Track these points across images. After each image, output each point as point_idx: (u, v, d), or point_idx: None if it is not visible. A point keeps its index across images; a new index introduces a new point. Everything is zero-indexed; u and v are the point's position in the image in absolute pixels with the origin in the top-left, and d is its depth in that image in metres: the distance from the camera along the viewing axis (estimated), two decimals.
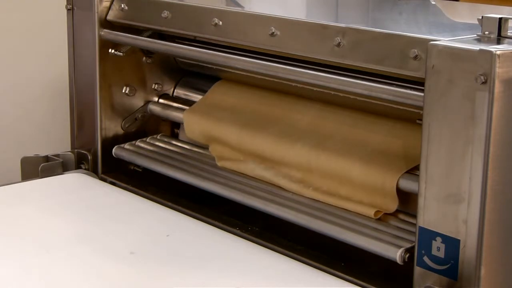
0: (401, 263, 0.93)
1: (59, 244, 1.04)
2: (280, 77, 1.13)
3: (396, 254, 0.93)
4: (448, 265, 0.87)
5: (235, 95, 1.28)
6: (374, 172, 1.03)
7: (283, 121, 1.19)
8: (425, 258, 0.89)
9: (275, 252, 1.04)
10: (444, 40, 0.86)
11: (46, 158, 1.31)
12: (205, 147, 1.27)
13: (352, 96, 1.09)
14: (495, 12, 0.91)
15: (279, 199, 1.09)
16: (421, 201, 0.88)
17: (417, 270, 0.90)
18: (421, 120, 0.88)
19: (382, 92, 0.98)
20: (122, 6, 1.28)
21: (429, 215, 0.88)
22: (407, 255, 0.93)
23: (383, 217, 1.03)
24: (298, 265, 1.00)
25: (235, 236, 1.08)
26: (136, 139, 1.34)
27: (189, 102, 1.33)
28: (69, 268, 0.97)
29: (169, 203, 1.18)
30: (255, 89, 1.26)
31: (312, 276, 0.98)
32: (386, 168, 1.02)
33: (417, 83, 0.92)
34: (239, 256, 1.02)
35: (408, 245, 0.94)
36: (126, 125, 1.34)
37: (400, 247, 0.94)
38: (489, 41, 0.87)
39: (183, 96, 1.38)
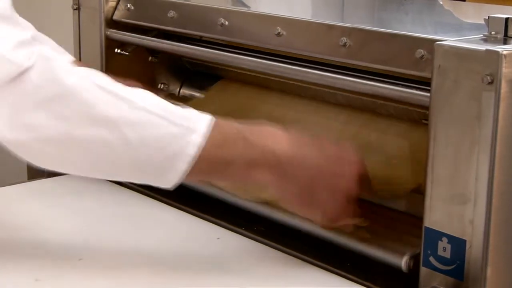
0: (406, 271, 0.93)
1: (66, 243, 1.04)
2: (286, 77, 1.14)
3: (401, 262, 0.93)
4: (454, 266, 0.87)
5: (235, 93, 1.28)
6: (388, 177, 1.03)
7: (284, 120, 1.19)
8: (431, 259, 0.89)
9: (280, 252, 1.04)
10: (450, 40, 0.86)
11: None
12: None
13: (359, 96, 1.09)
14: (502, 12, 0.91)
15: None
16: (427, 202, 0.88)
17: (423, 270, 0.90)
18: (427, 120, 0.88)
19: (388, 92, 0.98)
20: (128, 6, 1.28)
21: (435, 215, 0.88)
22: (412, 262, 0.92)
23: (388, 223, 1.03)
24: (303, 265, 1.00)
25: (241, 236, 1.08)
26: None
27: None
28: (77, 267, 0.98)
29: (173, 202, 1.18)
30: (257, 88, 1.26)
31: (318, 276, 0.98)
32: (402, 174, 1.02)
33: (423, 83, 0.92)
34: (244, 255, 1.02)
35: (413, 252, 0.93)
36: None
37: (405, 253, 0.94)
38: (495, 41, 0.87)
39: (188, 96, 1.38)
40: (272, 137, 0.92)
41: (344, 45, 1.00)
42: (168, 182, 0.89)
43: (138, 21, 1.28)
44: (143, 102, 0.88)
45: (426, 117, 0.89)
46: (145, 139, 0.87)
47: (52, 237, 1.05)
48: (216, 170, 0.91)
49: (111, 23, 1.30)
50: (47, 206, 1.15)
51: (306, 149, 0.93)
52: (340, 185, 0.94)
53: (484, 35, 0.89)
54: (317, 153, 0.93)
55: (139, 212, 1.15)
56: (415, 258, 0.92)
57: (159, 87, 1.37)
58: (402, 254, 0.93)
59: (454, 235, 0.86)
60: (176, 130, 0.87)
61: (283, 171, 0.91)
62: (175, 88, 1.39)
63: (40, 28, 1.44)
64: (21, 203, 1.16)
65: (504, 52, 0.81)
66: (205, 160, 0.88)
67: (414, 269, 0.92)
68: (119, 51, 1.31)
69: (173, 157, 0.87)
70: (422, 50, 0.92)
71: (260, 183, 0.94)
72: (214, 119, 0.89)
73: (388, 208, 1.07)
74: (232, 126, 0.92)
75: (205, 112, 0.90)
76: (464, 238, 0.85)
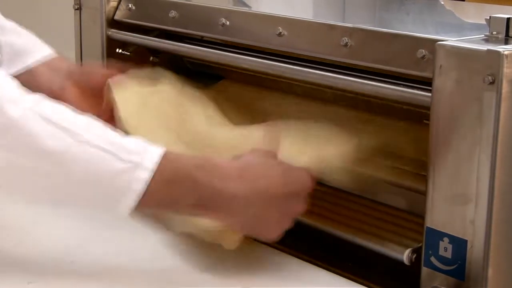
0: (408, 264, 0.93)
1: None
2: (287, 77, 1.14)
3: (403, 255, 0.93)
4: (455, 266, 0.87)
5: (236, 93, 1.28)
6: None
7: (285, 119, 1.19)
8: (432, 259, 0.89)
9: (281, 252, 1.03)
10: (451, 40, 0.86)
11: None
12: None
13: (359, 96, 1.10)
14: (503, 12, 0.91)
15: None
16: (428, 202, 0.88)
17: (424, 270, 0.90)
18: (428, 120, 0.88)
19: (389, 92, 0.98)
20: (130, 6, 1.29)
21: (437, 215, 0.88)
22: (414, 256, 0.93)
23: (389, 217, 1.03)
24: (304, 265, 1.00)
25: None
26: None
27: None
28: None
29: None
30: (258, 89, 1.26)
31: (318, 276, 0.97)
32: None
33: (425, 83, 0.92)
34: (245, 256, 1.02)
35: (415, 245, 0.94)
36: None
37: (407, 247, 0.94)
38: (497, 41, 0.87)
39: None
40: (221, 174, 0.90)
41: (345, 45, 1.00)
42: (117, 215, 0.88)
43: (139, 21, 1.28)
44: (88, 135, 0.86)
45: (427, 117, 0.89)
46: (89, 174, 0.85)
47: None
48: (163, 206, 0.89)
49: (113, 23, 1.30)
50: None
51: (256, 182, 0.91)
52: (289, 209, 0.93)
53: (486, 35, 0.89)
54: (266, 183, 0.92)
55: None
56: (417, 252, 0.92)
57: None
58: (404, 248, 0.94)
59: (456, 235, 0.86)
60: (122, 165, 0.85)
61: (231, 209, 0.90)
62: None
63: (41, 28, 1.44)
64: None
65: (506, 52, 0.81)
66: (152, 197, 0.86)
67: (415, 264, 0.92)
68: (120, 51, 1.31)
69: (118, 193, 0.85)
70: (423, 50, 0.92)
71: (208, 219, 0.93)
72: (164, 153, 0.87)
73: (390, 206, 1.08)
74: (182, 162, 0.89)
75: (157, 145, 0.88)
76: (466, 238, 0.85)
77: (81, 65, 1.23)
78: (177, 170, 0.88)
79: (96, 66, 1.24)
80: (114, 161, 0.85)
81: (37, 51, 1.16)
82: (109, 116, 1.05)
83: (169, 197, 0.88)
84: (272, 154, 0.96)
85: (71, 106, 0.89)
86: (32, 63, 1.14)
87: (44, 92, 0.90)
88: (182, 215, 0.92)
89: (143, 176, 0.85)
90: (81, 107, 0.92)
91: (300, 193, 0.94)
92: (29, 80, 1.10)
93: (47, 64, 1.15)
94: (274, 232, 0.94)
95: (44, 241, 1.03)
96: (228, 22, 1.14)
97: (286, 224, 0.94)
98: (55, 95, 0.96)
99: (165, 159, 0.87)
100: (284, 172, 0.94)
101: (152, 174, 0.85)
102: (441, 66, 0.85)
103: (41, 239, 1.04)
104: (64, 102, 0.91)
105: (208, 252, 1.02)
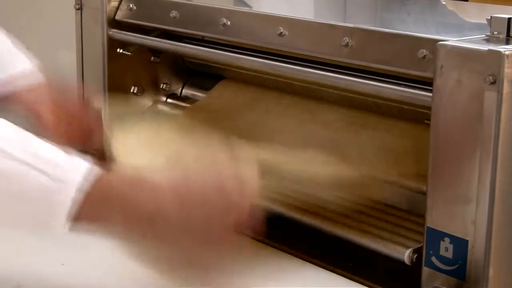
0: (409, 264, 0.93)
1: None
2: (288, 77, 1.14)
3: (404, 255, 0.93)
4: (456, 266, 0.87)
5: (237, 94, 1.28)
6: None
7: (285, 119, 1.19)
8: (433, 259, 0.89)
9: (281, 252, 1.04)
10: (452, 40, 0.86)
11: None
12: None
13: (360, 96, 1.10)
14: (504, 12, 0.91)
15: (283, 198, 1.09)
16: (429, 202, 0.88)
17: (425, 270, 0.90)
18: (429, 120, 0.88)
19: (390, 92, 0.98)
20: (131, 6, 1.29)
21: (437, 215, 0.88)
22: (415, 256, 0.93)
23: (390, 218, 1.02)
24: (304, 265, 1.00)
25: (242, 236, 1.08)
26: None
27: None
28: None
29: None
30: (259, 88, 1.26)
31: (318, 276, 0.98)
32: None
33: (426, 83, 0.92)
34: (245, 256, 1.02)
35: (416, 246, 0.93)
36: None
37: (408, 247, 0.94)
38: (498, 41, 0.87)
39: (191, 96, 1.39)
40: (153, 193, 0.84)
41: (346, 45, 1.00)
42: (53, 234, 0.82)
43: (140, 21, 1.28)
44: (18, 152, 0.80)
45: (428, 117, 0.89)
46: (11, 191, 0.80)
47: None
48: (94, 223, 0.83)
49: (113, 23, 1.30)
50: None
51: (188, 199, 0.85)
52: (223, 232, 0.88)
53: (487, 35, 0.89)
54: (200, 199, 0.85)
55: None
56: (418, 252, 0.92)
57: (161, 87, 1.38)
58: (405, 248, 0.94)
59: (456, 235, 0.86)
60: (49, 182, 0.79)
61: (160, 231, 0.84)
62: (177, 88, 1.39)
63: (41, 28, 1.44)
64: None
65: (507, 52, 0.81)
66: (83, 216, 0.81)
67: (416, 265, 0.92)
68: (121, 51, 1.31)
69: (47, 211, 0.80)
70: (424, 50, 0.92)
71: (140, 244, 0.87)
72: (94, 170, 0.82)
73: (391, 206, 1.08)
74: (112, 179, 0.84)
75: (88, 162, 0.83)
76: (466, 239, 0.85)
77: (66, 89, 1.18)
78: (108, 188, 0.83)
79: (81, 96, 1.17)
80: (41, 177, 0.80)
81: (16, 64, 1.10)
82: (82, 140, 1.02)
83: (97, 216, 0.82)
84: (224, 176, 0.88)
85: (7, 122, 0.84)
86: (10, 74, 1.09)
87: (21, 110, 0.86)
88: (117, 237, 0.86)
89: (73, 194, 0.80)
90: (56, 131, 0.88)
91: (240, 222, 0.88)
92: (8, 96, 1.07)
93: (30, 83, 1.09)
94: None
95: (35, 243, 0.99)
96: (229, 22, 1.14)
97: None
98: (32, 114, 0.92)
99: (99, 177, 0.82)
100: (219, 193, 0.86)
101: (83, 192, 0.80)
102: (442, 66, 0.85)
103: (32, 240, 1.00)
104: (39, 123, 0.87)
105: (209, 252, 1.02)
